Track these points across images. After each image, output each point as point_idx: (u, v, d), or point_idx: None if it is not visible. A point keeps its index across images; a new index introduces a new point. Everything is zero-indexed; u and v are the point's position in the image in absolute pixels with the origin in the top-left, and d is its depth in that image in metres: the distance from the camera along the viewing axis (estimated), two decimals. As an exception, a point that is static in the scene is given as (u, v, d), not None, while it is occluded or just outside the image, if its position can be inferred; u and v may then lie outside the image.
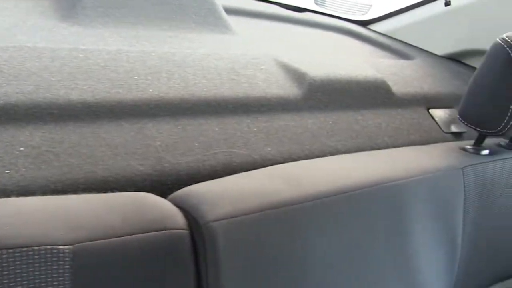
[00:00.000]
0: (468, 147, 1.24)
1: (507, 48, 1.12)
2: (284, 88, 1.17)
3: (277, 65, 1.24)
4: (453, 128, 1.40)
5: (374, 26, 1.97)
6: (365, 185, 0.90)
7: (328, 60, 1.32)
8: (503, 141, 1.36)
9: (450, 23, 1.72)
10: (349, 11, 2.06)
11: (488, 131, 1.17)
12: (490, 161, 1.19)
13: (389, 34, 1.90)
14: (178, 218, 0.74)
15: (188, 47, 1.21)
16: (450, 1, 1.70)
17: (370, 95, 1.29)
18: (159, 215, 0.72)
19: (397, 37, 1.88)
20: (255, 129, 1.06)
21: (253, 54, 1.25)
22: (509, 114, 1.12)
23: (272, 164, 1.00)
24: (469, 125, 1.21)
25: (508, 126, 1.13)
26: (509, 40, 1.13)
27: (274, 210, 0.78)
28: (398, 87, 1.38)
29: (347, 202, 0.86)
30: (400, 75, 1.45)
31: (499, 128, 1.15)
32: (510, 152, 1.28)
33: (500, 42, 1.14)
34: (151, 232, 0.69)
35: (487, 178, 1.15)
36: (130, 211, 0.71)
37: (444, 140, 1.36)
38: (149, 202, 0.75)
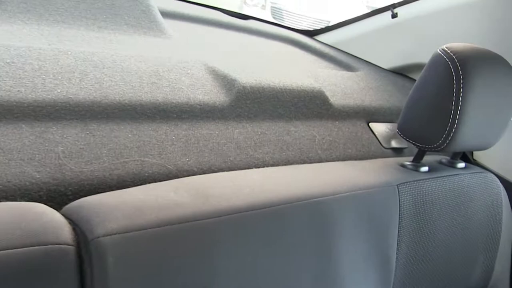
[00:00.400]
0: (407, 163, 1.18)
1: (447, 59, 1.07)
2: (210, 94, 1.09)
3: (206, 71, 1.16)
4: (394, 144, 1.34)
5: (321, 37, 1.91)
6: (284, 200, 0.83)
7: (262, 68, 1.25)
8: (444, 157, 1.31)
9: (396, 36, 1.67)
10: (309, 27, 2.01)
11: (426, 146, 1.12)
12: (428, 178, 1.13)
13: (335, 46, 1.84)
14: (64, 232, 0.65)
15: (114, 49, 1.13)
16: (397, 14, 1.66)
17: (305, 105, 1.22)
18: (42, 228, 0.63)
19: (343, 49, 1.82)
20: (173, 137, 0.98)
21: (182, 58, 1.17)
22: (448, 128, 1.07)
23: (188, 176, 0.92)
24: (408, 139, 1.15)
25: (448, 141, 1.08)
26: (449, 51, 1.08)
27: (175, 226, 0.69)
28: (337, 99, 1.31)
29: (262, 219, 0.79)
30: (340, 86, 1.39)
31: (438, 143, 1.09)
32: (450, 169, 1.23)
33: (440, 53, 1.09)
34: (31, 246, 0.61)
35: (424, 196, 1.09)
36: (10, 223, 0.62)
37: (384, 156, 1.30)
38: (35, 214, 0.66)
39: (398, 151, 1.34)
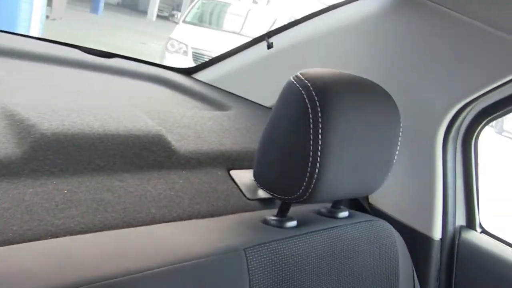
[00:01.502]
0: (271, 218, 0.95)
1: (300, 88, 0.86)
2: None
3: (1, 116, 0.91)
4: (261, 194, 1.11)
5: (200, 75, 1.69)
6: (76, 282, 0.63)
7: (87, 111, 1.01)
8: (325, 206, 1.08)
9: (273, 69, 1.47)
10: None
11: (286, 197, 0.89)
12: (294, 236, 0.90)
13: (214, 83, 1.62)
14: None
15: None
16: (272, 44, 1.46)
17: (136, 153, 0.98)
18: None
19: (222, 86, 1.60)
20: None
21: None
22: (308, 174, 0.84)
23: None
24: (265, 189, 0.93)
25: (310, 191, 0.85)
26: (303, 78, 0.87)
27: None
28: (185, 143, 1.08)
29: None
30: (195, 128, 1.16)
31: (298, 193, 0.87)
32: (328, 221, 1.01)
33: (293, 80, 0.88)
34: None
35: (287, 258, 0.86)
36: None
37: (247, 209, 1.06)
38: None
39: (267, 202, 1.11)
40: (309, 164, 0.83)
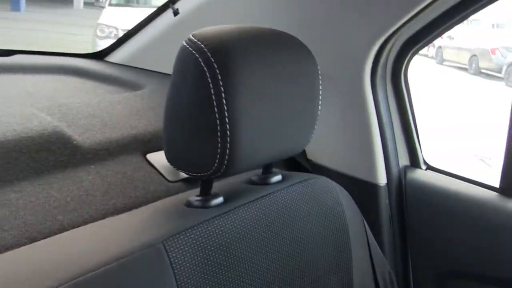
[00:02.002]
0: (194, 198, 0.86)
1: (195, 53, 0.76)
2: None
3: None
4: (183, 173, 1.02)
5: (113, 56, 1.57)
6: None
7: None
8: (257, 173, 1.00)
9: (182, 35, 1.36)
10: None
11: (203, 174, 0.80)
12: (220, 214, 0.82)
13: (127, 63, 1.51)
14: None
15: None
16: (177, 10, 1.35)
17: (32, 157, 0.87)
18: None
19: (136, 65, 1.49)
20: None
21: None
22: (220, 145, 0.76)
23: None
24: (178, 169, 0.84)
25: (226, 161, 0.77)
26: (196, 41, 0.77)
27: None
28: (90, 135, 0.98)
29: None
30: (102, 116, 1.05)
31: (214, 168, 0.78)
32: (261, 189, 0.92)
33: (186, 45, 0.78)
34: None
35: (211, 241, 0.77)
36: None
37: (170, 193, 0.97)
38: None
39: (192, 181, 1.02)
40: (218, 134, 0.74)
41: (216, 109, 0.73)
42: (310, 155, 1.31)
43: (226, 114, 0.74)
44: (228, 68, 0.74)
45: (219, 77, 0.73)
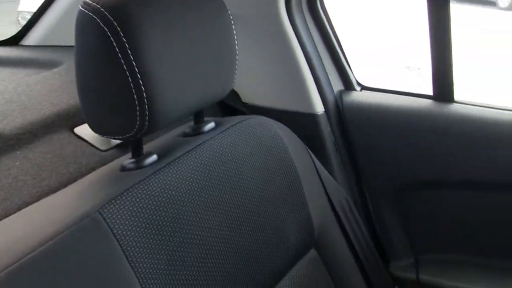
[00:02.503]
0: (128, 161, 0.84)
1: (95, 16, 0.73)
2: None
3: None
4: (115, 140, 1.00)
5: (28, 39, 1.50)
6: None
7: None
8: (189, 126, 0.97)
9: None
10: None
11: (128, 134, 0.78)
12: (153, 173, 0.79)
13: (44, 43, 1.45)
14: None
15: None
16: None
17: None
18: None
19: (53, 42, 1.43)
20: None
21: None
22: (137, 102, 0.73)
23: None
24: (105, 135, 0.81)
25: (148, 117, 0.75)
26: (92, 2, 0.74)
27: None
28: (10, 121, 0.94)
29: None
30: (20, 99, 1.02)
31: (137, 126, 0.76)
32: (190, 142, 0.90)
33: (83, 10, 0.75)
34: None
35: (149, 201, 0.76)
36: None
37: (105, 162, 0.94)
38: None
39: (124, 146, 1.00)
40: (133, 91, 0.72)
41: (125, 67, 0.71)
42: (245, 98, 1.30)
43: (137, 70, 0.71)
44: (130, 23, 0.71)
45: (122, 34, 0.71)
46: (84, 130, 1.00)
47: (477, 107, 1.19)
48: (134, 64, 0.71)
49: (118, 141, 0.99)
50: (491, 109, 1.18)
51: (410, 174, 1.25)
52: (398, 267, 1.33)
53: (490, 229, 1.23)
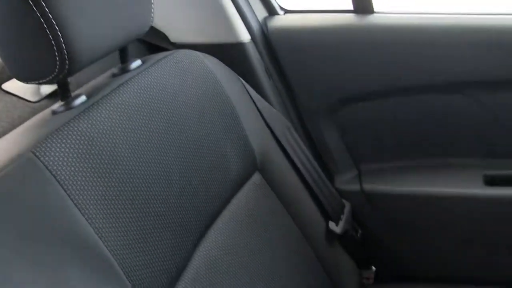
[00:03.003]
0: (58, 105, 0.84)
1: None
2: None
3: None
4: (44, 89, 0.99)
5: None
6: None
7: None
8: (117, 67, 0.97)
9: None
10: None
11: (50, 77, 0.78)
12: (82, 112, 0.79)
13: None
14: None
15: None
16: None
17: None
18: None
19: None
20: None
21: None
22: (54, 46, 0.73)
23: None
24: (26, 81, 0.81)
25: (68, 61, 0.74)
26: None
27: None
28: None
29: None
30: None
31: (57, 69, 0.75)
32: (116, 81, 0.90)
33: None
34: None
35: (80, 142, 0.76)
36: None
37: (39, 111, 0.94)
38: None
39: (55, 94, 0.99)
40: (48, 32, 0.72)
41: (35, 8, 0.70)
42: (173, 38, 1.30)
43: (48, 11, 0.71)
44: None
45: None
46: (12, 85, 0.99)
47: (397, 14, 1.23)
48: (45, 4, 0.71)
49: (48, 91, 0.99)
50: (410, 15, 1.22)
51: (342, 89, 1.29)
52: (343, 181, 1.39)
53: (422, 132, 1.29)
